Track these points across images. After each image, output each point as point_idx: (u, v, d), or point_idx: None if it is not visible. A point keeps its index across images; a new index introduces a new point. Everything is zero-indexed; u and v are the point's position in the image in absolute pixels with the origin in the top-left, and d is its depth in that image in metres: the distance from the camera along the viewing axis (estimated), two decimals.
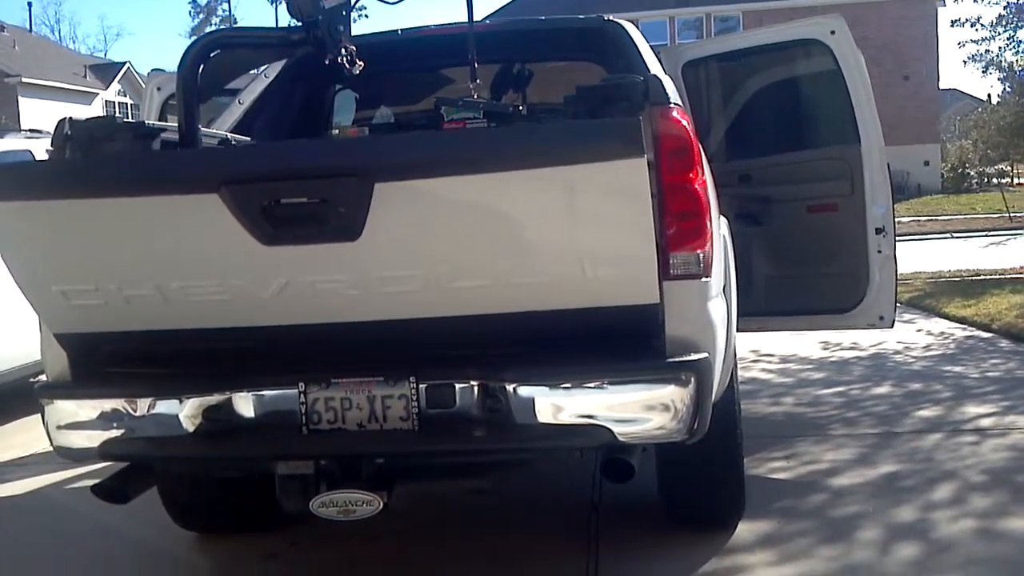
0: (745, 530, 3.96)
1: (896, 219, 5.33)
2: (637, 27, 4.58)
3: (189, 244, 2.89)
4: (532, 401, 2.96)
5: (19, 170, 3.00)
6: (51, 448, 3.33)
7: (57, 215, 2.86)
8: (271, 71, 4.80)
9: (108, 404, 3.19)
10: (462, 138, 2.79)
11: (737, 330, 3.69)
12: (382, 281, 2.87)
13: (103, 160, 3.16)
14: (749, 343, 7.66)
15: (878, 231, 5.16)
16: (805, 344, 7.92)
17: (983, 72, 20.60)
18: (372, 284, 2.88)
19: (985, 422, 5.53)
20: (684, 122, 3.16)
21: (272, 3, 63.81)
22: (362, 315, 2.95)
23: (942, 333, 8.77)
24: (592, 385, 2.98)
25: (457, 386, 3.00)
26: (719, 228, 3.42)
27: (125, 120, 3.54)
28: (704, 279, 3.09)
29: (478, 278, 2.84)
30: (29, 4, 79.06)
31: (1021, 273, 12.50)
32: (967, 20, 19.26)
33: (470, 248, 2.81)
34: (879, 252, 5.18)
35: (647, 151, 2.58)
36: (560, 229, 2.73)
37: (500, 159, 2.66)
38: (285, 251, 2.81)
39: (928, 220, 25.09)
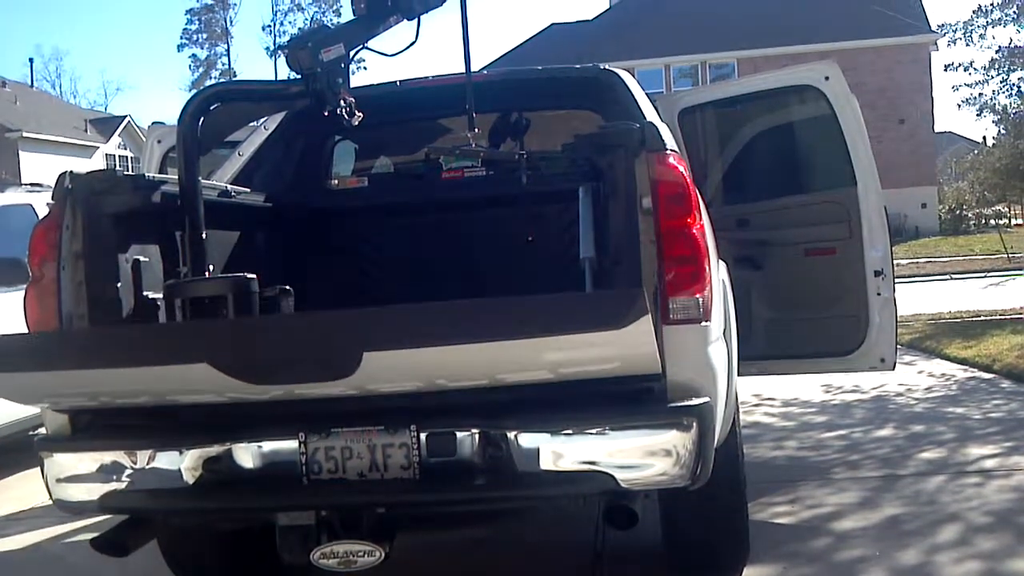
0: None
1: (895, 261, 5.34)
2: (633, 75, 4.62)
3: (180, 383, 2.91)
4: (534, 448, 2.96)
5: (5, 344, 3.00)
6: (50, 501, 3.32)
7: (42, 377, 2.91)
8: (271, 123, 4.83)
9: (108, 457, 3.19)
10: (451, 316, 2.68)
11: (738, 374, 3.69)
12: (380, 389, 2.92)
13: (81, 340, 3.15)
14: (751, 387, 7.64)
15: (877, 274, 5.17)
16: (807, 387, 7.90)
17: (978, 115, 20.81)
18: (370, 392, 2.90)
19: (988, 463, 5.51)
20: (681, 168, 3.18)
21: (271, 56, 64.58)
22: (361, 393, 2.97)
23: (943, 375, 8.75)
24: (594, 431, 2.96)
25: (458, 434, 2.99)
26: (718, 272, 3.42)
27: (125, 173, 3.57)
28: (704, 323, 3.09)
29: (477, 381, 2.87)
30: (31, 60, 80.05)
31: (1021, 314, 12.49)
32: (960, 64, 19.49)
33: (467, 370, 2.81)
34: (878, 295, 5.17)
35: (650, 310, 2.49)
36: (563, 365, 2.76)
37: (496, 334, 2.59)
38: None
39: (927, 262, 25.15)
